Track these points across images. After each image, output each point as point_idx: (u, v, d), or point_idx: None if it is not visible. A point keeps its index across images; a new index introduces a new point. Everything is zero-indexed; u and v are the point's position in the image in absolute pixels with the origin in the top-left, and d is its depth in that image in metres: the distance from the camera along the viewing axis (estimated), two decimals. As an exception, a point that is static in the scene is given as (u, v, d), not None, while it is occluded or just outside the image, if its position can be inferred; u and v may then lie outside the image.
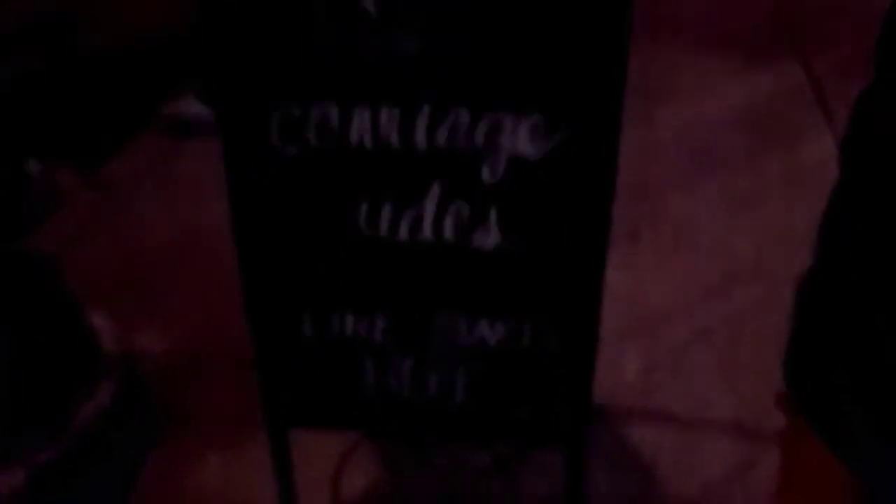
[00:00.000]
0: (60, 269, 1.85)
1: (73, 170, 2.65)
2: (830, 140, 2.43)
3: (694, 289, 1.97)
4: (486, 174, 1.21)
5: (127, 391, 1.83)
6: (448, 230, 1.25)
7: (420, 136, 1.21)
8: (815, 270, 0.84)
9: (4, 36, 2.95)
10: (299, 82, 1.20)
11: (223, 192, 2.52)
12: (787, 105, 2.65)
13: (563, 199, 1.22)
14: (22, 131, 2.70)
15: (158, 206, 2.47)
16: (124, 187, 2.57)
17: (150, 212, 2.45)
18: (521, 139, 1.19)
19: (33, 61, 2.74)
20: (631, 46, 1.11)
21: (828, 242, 0.83)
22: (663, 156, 2.43)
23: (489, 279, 1.26)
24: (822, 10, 3.13)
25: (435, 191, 1.24)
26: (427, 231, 1.25)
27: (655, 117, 2.58)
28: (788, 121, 2.57)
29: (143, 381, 1.89)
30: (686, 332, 1.86)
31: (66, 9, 2.93)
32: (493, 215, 1.23)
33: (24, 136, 2.71)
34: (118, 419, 1.77)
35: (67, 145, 2.68)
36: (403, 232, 1.26)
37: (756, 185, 2.30)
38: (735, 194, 2.27)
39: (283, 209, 1.29)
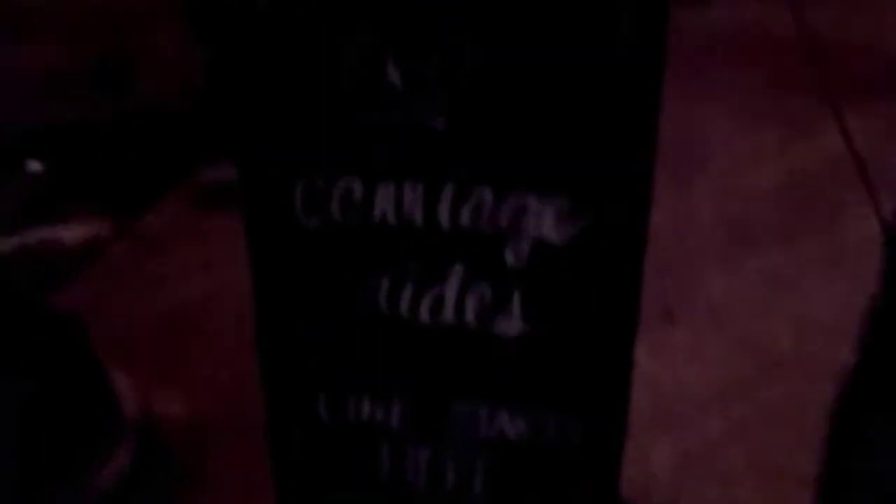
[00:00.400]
0: (86, 329, 1.85)
1: (110, 220, 2.68)
2: (873, 217, 2.36)
3: (729, 377, 1.89)
4: (509, 257, 1.18)
5: (147, 455, 1.81)
6: (469, 313, 1.21)
7: (444, 215, 1.18)
8: (856, 374, 0.79)
9: (58, 81, 3.02)
10: (324, 155, 1.19)
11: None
12: (828, 179, 2.58)
13: (589, 285, 1.17)
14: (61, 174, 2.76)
15: (190, 263, 2.47)
16: (157, 241, 2.59)
17: (182, 268, 2.45)
18: (545, 223, 1.15)
19: (84, 109, 2.80)
20: (668, 116, 1.08)
21: (871, 342, 0.78)
22: (698, 230, 2.37)
23: (511, 367, 1.22)
24: (865, 81, 3.09)
25: (457, 272, 1.20)
26: (448, 313, 1.21)
27: (691, 188, 2.53)
28: (829, 196, 2.50)
29: (163, 444, 1.86)
30: (720, 426, 1.77)
31: (122, 59, 3.00)
32: (516, 300, 1.19)
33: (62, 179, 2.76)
34: (137, 482, 1.75)
35: (106, 195, 2.72)
36: (424, 313, 1.22)
37: (795, 265, 2.22)
38: (773, 274, 2.20)
39: (304, 282, 1.26)
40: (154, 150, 2.75)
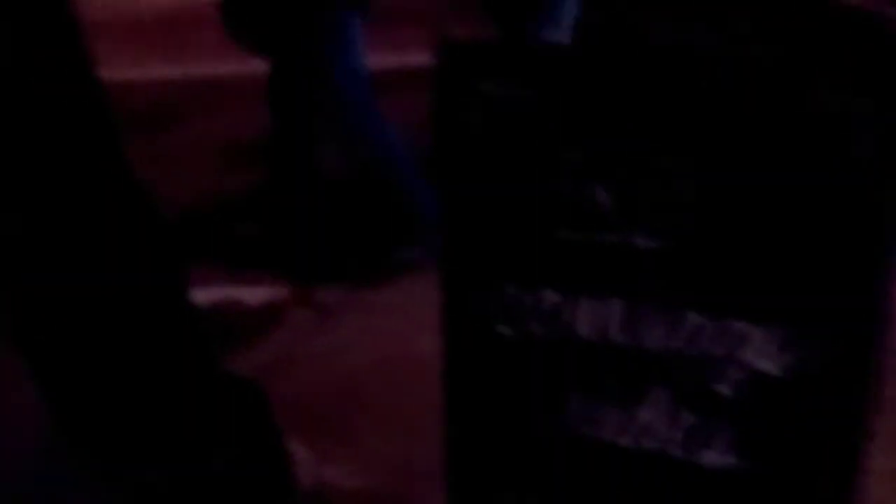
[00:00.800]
0: (266, 395, 1.90)
1: (290, 287, 2.77)
2: None
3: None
4: (718, 385, 1.12)
5: (318, 527, 1.83)
6: (670, 440, 1.16)
7: (647, 337, 1.14)
8: None
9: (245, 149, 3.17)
10: (524, 266, 1.18)
11: (428, 327, 2.51)
12: None
13: (810, 420, 1.10)
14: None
15: (366, 334, 2.50)
16: (333, 310, 2.64)
17: (357, 338, 2.49)
18: (761, 352, 1.09)
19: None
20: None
21: None
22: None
23: (715, 499, 1.16)
24: None
25: (659, 396, 1.15)
26: (647, 438, 1.17)
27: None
28: None
29: (334, 518, 1.88)
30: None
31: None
32: (724, 431, 1.13)
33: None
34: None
35: (286, 261, 2.82)
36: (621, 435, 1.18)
37: None
38: None
39: (496, 390, 1.25)
40: (336, 219, 2.82)
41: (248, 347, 2.48)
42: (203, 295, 2.58)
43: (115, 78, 1.63)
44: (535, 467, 1.26)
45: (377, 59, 2.68)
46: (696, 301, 1.10)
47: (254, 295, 2.83)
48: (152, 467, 1.65)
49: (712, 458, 1.14)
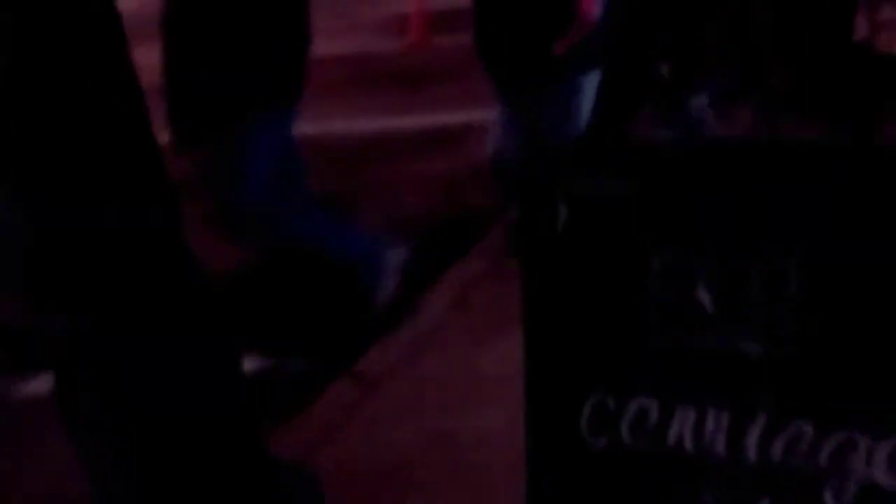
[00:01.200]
0: (320, 487, 1.84)
1: (329, 356, 2.71)
2: None
3: None
4: (829, 499, 1.05)
5: None
6: (775, 556, 1.08)
7: (751, 447, 1.07)
8: None
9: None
10: (619, 373, 1.11)
11: (474, 401, 2.42)
12: None
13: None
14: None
15: (410, 408, 2.42)
16: (376, 382, 2.58)
17: (402, 413, 2.41)
18: (876, 465, 1.02)
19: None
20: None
21: None
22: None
23: None
24: None
25: (764, 509, 1.08)
26: (749, 553, 1.09)
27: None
28: None
29: None
30: None
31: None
32: (833, 545, 1.06)
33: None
34: None
35: (325, 337, 2.76)
36: (720, 549, 1.11)
37: None
38: None
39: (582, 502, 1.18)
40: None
41: (288, 420, 2.41)
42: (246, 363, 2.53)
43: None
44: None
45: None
46: (804, 410, 1.04)
47: (290, 365, 2.77)
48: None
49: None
